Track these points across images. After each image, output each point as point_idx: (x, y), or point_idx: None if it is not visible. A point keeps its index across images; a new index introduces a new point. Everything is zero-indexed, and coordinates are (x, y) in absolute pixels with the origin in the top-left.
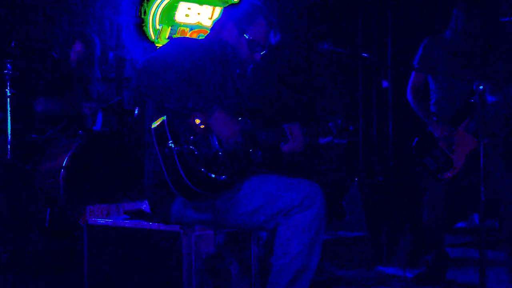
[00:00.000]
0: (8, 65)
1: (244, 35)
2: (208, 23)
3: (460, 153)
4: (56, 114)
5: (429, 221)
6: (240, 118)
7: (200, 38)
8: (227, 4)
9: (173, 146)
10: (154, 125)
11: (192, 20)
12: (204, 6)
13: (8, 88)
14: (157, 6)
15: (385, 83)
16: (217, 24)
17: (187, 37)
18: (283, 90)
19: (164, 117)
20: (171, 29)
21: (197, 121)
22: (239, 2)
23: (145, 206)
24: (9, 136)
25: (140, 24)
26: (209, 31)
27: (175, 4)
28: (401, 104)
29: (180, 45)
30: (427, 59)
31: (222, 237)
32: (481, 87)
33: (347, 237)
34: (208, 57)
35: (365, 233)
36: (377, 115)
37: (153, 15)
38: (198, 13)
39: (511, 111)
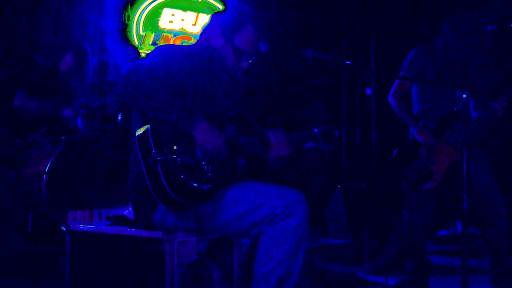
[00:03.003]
0: None
1: (231, 43)
2: (192, 30)
3: (440, 164)
4: (34, 113)
5: (410, 229)
6: (225, 125)
7: (184, 44)
8: (211, 11)
9: (156, 156)
10: (138, 133)
11: (176, 26)
12: (188, 12)
13: None
14: (141, 12)
15: (368, 91)
16: (205, 31)
17: (174, 45)
18: (267, 96)
19: (148, 126)
20: (154, 35)
21: (181, 130)
22: (228, 9)
23: (127, 212)
24: None
25: (123, 29)
26: (198, 38)
27: (159, 10)
28: (384, 111)
29: (166, 54)
30: (415, 67)
31: (204, 244)
32: (464, 95)
33: (329, 244)
34: (194, 64)
35: (348, 240)
36: (360, 122)
37: (137, 20)
38: (182, 19)
39: (493, 125)
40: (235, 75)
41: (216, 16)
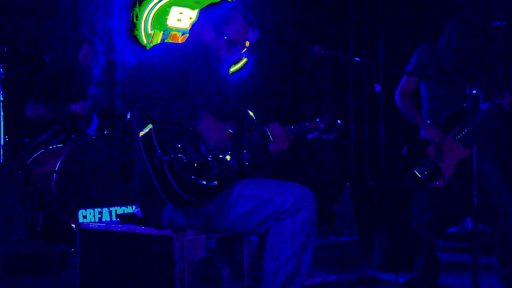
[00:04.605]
0: (1, 69)
1: (222, 35)
2: None
3: (449, 162)
4: (44, 120)
5: (419, 227)
6: (226, 121)
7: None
8: None
9: (161, 155)
10: (142, 133)
11: (184, 24)
12: (196, 10)
13: (1, 93)
14: (149, 11)
15: (377, 87)
16: (195, 27)
17: (168, 42)
18: (275, 94)
19: (151, 126)
20: (163, 33)
21: (184, 128)
22: (214, 3)
23: (137, 210)
24: (2, 140)
25: (131, 28)
26: (188, 34)
27: (167, 9)
28: (393, 108)
29: (162, 51)
30: (421, 66)
31: (214, 242)
32: (474, 91)
33: (338, 242)
34: (190, 61)
35: (357, 237)
36: (369, 119)
37: (145, 19)
38: (190, 18)
39: (500, 119)
40: (229, 68)
41: (203, 12)
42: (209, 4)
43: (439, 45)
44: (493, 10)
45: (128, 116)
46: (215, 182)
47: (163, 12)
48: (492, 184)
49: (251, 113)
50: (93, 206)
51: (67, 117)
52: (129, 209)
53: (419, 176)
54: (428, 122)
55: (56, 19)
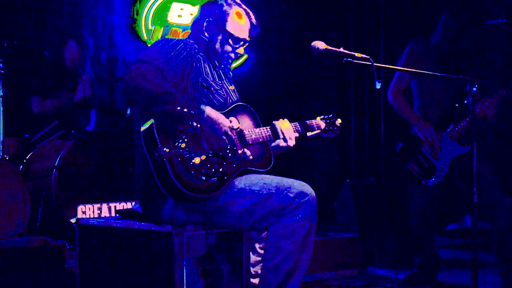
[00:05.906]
0: (1, 64)
1: (224, 31)
2: None
3: (444, 159)
4: (51, 113)
5: (417, 224)
6: (228, 118)
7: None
8: None
9: (162, 150)
10: (143, 128)
11: (184, 20)
12: (197, 6)
13: (1, 88)
14: (149, 7)
15: (378, 84)
16: (197, 23)
17: (170, 38)
18: (275, 89)
19: (153, 121)
20: (163, 29)
21: (186, 123)
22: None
23: (136, 206)
24: (1, 136)
25: (132, 24)
26: (189, 30)
27: (168, 5)
28: None
29: (164, 47)
30: (411, 61)
31: (213, 237)
32: (474, 88)
33: (338, 238)
34: (192, 57)
35: (357, 234)
36: (369, 116)
37: (145, 15)
38: (191, 14)
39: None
40: (231, 64)
41: (205, 8)
42: (210, 1)
43: (435, 37)
44: (493, 8)
45: (128, 112)
46: (215, 178)
47: (164, 8)
48: (485, 182)
49: (252, 110)
50: (92, 202)
51: (73, 105)
52: (128, 205)
53: (413, 173)
54: (421, 120)
55: (56, 14)
